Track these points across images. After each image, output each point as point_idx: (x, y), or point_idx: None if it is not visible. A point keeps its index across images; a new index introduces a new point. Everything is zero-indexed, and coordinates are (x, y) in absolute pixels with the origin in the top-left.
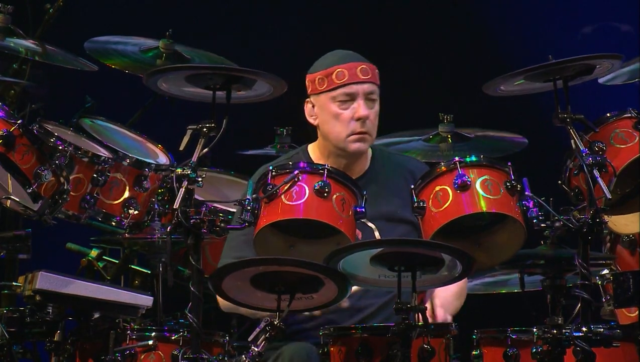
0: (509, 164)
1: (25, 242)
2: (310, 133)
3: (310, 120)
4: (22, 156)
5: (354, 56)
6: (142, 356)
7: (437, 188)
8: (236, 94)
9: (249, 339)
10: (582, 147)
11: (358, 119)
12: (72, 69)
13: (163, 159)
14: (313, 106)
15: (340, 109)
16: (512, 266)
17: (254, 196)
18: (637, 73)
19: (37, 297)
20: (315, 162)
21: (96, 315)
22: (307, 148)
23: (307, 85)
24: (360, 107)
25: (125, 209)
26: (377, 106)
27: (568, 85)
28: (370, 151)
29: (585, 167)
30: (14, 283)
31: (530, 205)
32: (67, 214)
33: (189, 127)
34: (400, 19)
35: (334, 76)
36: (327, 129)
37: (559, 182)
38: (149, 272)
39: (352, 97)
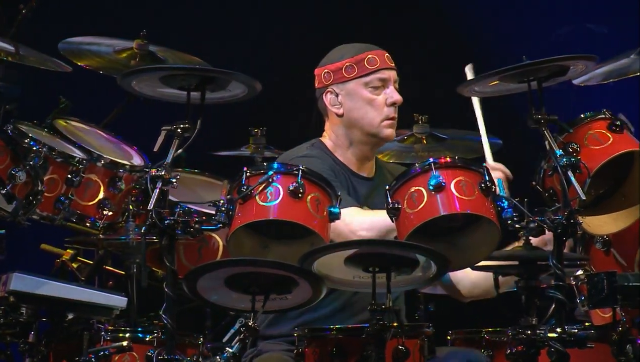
0: (484, 165)
1: None
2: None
3: (334, 110)
4: None
5: (374, 45)
6: (116, 357)
7: (412, 189)
8: (211, 94)
9: (224, 340)
10: (556, 148)
11: (392, 104)
12: (46, 70)
13: (137, 160)
14: (337, 95)
15: (373, 94)
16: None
17: (228, 196)
18: (611, 74)
19: (11, 299)
20: (332, 153)
21: (70, 316)
22: (321, 140)
23: (325, 76)
24: (393, 93)
25: (100, 210)
26: None
27: (542, 86)
28: None
29: (559, 168)
30: None
31: (505, 206)
32: (41, 215)
33: (163, 127)
34: (374, 20)
35: (365, 62)
36: (358, 115)
37: (533, 183)
38: (123, 273)
39: (384, 83)
